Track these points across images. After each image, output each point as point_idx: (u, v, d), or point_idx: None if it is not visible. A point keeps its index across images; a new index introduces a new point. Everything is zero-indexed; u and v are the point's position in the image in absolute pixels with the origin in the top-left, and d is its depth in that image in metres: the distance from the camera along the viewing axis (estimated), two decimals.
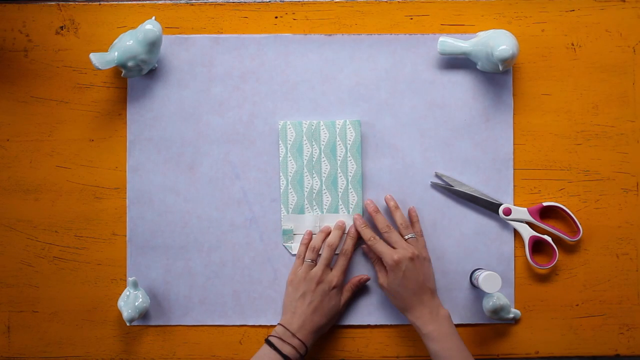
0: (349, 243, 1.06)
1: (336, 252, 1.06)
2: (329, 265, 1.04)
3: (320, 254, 1.05)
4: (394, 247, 1.02)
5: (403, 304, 1.01)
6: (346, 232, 1.06)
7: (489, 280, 1.00)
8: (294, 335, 1.00)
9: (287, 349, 0.99)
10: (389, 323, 1.08)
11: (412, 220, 1.06)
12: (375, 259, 1.06)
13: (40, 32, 1.08)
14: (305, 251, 1.06)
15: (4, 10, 1.08)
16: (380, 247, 1.02)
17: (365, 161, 1.08)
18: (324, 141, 1.07)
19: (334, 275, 1.03)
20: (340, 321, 1.08)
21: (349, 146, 1.07)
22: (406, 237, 1.03)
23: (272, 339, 1.00)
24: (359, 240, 1.07)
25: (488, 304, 1.04)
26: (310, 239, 1.06)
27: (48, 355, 1.08)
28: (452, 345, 0.97)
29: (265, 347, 1.00)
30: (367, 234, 1.04)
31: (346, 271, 1.05)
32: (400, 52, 1.08)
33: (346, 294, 1.05)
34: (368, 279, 1.06)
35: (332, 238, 1.05)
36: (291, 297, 1.03)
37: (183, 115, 1.08)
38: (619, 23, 1.08)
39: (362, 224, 1.05)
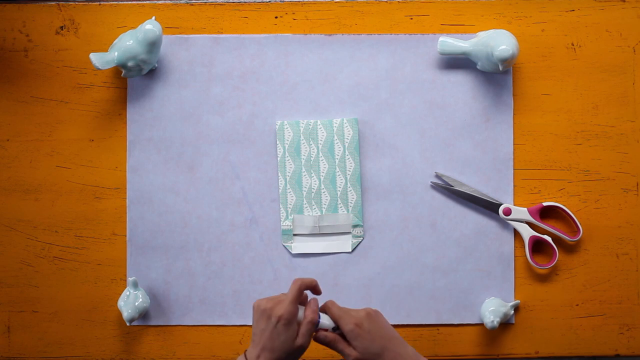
0: (308, 280, 0.94)
1: None
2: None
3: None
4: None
5: None
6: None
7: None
8: None
9: None
10: None
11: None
12: (333, 340, 0.93)
13: (40, 32, 1.08)
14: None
15: (4, 10, 1.08)
16: (337, 311, 0.93)
17: (365, 161, 1.08)
18: (321, 140, 1.07)
19: (282, 307, 0.90)
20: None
21: (346, 145, 1.07)
22: None
23: None
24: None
25: (488, 318, 1.03)
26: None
27: (48, 355, 1.08)
28: None
29: None
30: (325, 318, 0.94)
31: (296, 301, 0.91)
32: (400, 52, 1.08)
33: (307, 328, 0.91)
34: (316, 302, 0.94)
35: (304, 278, 0.95)
36: (253, 324, 0.94)
37: (183, 115, 1.08)
38: (619, 23, 1.08)
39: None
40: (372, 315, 0.93)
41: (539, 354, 1.08)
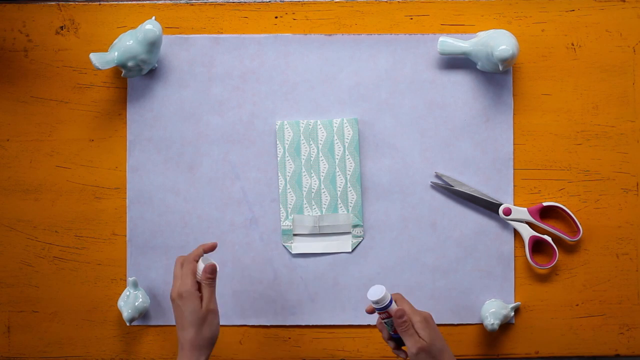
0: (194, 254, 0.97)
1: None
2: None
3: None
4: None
5: None
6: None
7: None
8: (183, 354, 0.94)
9: None
10: None
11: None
12: (407, 325, 0.93)
13: (40, 32, 1.08)
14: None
15: (4, 10, 1.08)
16: (408, 304, 0.95)
17: (365, 161, 1.08)
18: (321, 140, 1.07)
19: (173, 288, 0.95)
20: (339, 322, 1.07)
21: (346, 144, 1.07)
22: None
23: None
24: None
25: (489, 321, 1.03)
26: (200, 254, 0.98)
27: (48, 355, 1.08)
28: None
29: None
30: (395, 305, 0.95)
31: (183, 276, 0.95)
32: (400, 52, 1.08)
33: (206, 291, 0.95)
34: (213, 266, 0.96)
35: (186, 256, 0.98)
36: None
37: (183, 115, 1.08)
38: (619, 23, 1.08)
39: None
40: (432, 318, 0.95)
41: (539, 354, 1.08)
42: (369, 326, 1.08)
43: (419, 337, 0.92)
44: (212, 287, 0.96)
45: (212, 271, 0.96)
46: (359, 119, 1.08)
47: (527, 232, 1.06)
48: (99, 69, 1.01)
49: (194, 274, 0.95)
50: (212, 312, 0.95)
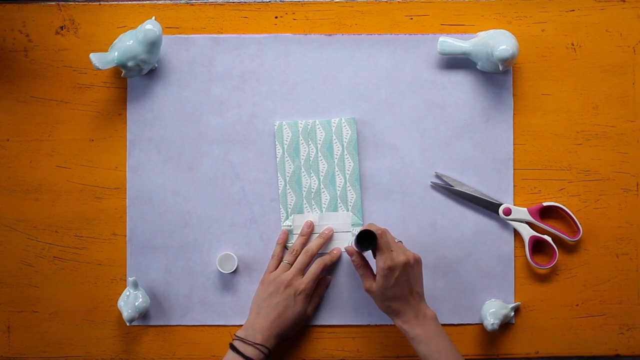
0: (328, 257, 1.06)
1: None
2: (303, 271, 1.04)
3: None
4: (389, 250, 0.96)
5: (390, 309, 0.97)
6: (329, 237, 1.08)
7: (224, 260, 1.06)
8: (255, 336, 1.00)
9: (249, 351, 0.99)
10: (389, 323, 1.07)
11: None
12: (359, 264, 0.99)
13: (40, 32, 1.08)
14: (280, 251, 1.06)
15: (4, 10, 1.08)
16: (384, 244, 0.95)
17: (365, 161, 1.08)
18: (320, 140, 1.07)
19: (303, 282, 1.03)
20: (339, 322, 1.08)
21: (345, 144, 1.07)
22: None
23: (235, 342, 1.00)
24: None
25: (488, 321, 1.03)
26: (286, 239, 1.07)
27: (48, 355, 1.08)
28: (441, 346, 0.95)
29: (229, 352, 1.00)
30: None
31: (317, 279, 1.04)
32: (400, 52, 1.08)
33: (315, 300, 1.06)
34: (329, 280, 1.07)
35: (313, 245, 1.06)
36: (259, 297, 1.03)
37: (183, 115, 1.08)
38: (619, 23, 1.08)
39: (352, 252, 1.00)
40: (410, 265, 0.96)
41: (539, 354, 1.08)
42: (369, 326, 1.08)
43: (373, 280, 0.98)
44: (321, 297, 1.07)
45: (328, 284, 1.07)
46: (359, 119, 1.08)
47: (527, 232, 1.06)
48: (99, 69, 1.01)
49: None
50: (309, 318, 1.06)
